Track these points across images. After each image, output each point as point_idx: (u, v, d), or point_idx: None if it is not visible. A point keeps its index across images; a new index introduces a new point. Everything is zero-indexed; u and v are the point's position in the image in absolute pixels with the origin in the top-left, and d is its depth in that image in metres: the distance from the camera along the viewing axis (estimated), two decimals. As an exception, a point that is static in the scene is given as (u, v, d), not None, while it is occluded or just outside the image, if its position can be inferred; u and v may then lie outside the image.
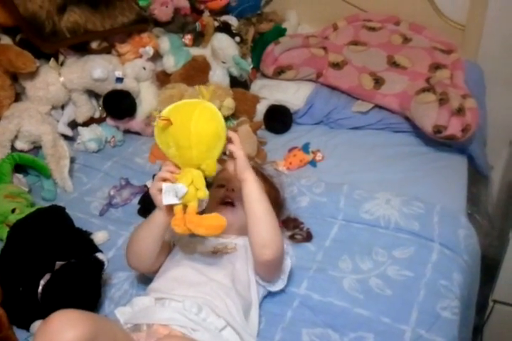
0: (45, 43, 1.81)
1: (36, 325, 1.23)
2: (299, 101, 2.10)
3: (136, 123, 2.01)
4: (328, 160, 1.87)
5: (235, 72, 2.14)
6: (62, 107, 1.95)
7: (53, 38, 1.82)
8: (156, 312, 1.13)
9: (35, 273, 1.25)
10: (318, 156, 1.86)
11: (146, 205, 1.58)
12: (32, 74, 1.82)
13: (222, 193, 1.37)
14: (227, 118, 1.98)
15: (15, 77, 1.84)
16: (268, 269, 1.25)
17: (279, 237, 1.20)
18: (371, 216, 1.56)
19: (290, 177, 1.73)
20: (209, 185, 1.19)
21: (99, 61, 1.90)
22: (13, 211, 1.52)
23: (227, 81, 2.13)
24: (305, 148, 1.85)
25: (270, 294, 1.32)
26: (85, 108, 1.94)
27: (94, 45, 1.93)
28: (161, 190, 1.14)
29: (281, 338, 1.24)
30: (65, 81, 1.87)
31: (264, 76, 2.22)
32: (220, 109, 1.88)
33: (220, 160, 1.18)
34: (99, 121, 2.01)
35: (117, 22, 1.92)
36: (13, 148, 1.78)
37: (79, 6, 1.84)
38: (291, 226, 1.50)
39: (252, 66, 2.22)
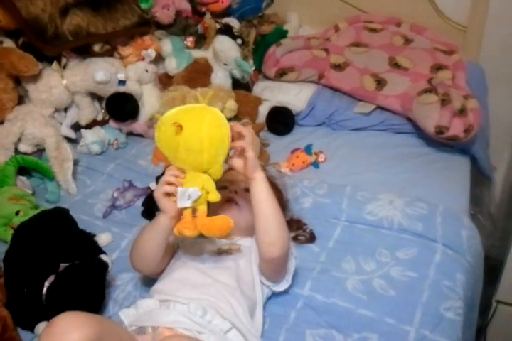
0: (48, 46, 1.82)
1: (41, 326, 1.23)
2: (301, 103, 2.10)
3: (138, 125, 2.02)
4: (330, 161, 1.87)
5: (237, 74, 2.15)
6: (65, 110, 1.96)
7: (56, 41, 1.82)
8: (161, 314, 1.13)
9: (39, 275, 1.25)
10: (321, 157, 1.86)
11: (150, 207, 1.58)
12: (35, 77, 1.83)
13: (225, 195, 1.37)
14: (229, 120, 1.97)
15: (18, 80, 1.84)
16: (274, 267, 1.25)
17: (286, 234, 1.22)
18: (374, 217, 1.56)
19: (293, 178, 1.73)
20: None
21: (101, 64, 1.91)
22: (17, 213, 1.53)
23: (229, 83, 2.14)
24: (307, 150, 1.85)
25: (274, 295, 1.33)
26: (88, 110, 1.95)
27: (96, 47, 1.93)
28: (165, 194, 1.15)
29: (285, 339, 1.24)
30: (67, 84, 1.87)
31: (266, 78, 2.23)
32: (222, 111, 1.89)
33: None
34: (102, 123, 2.01)
35: (119, 25, 1.93)
36: (16, 151, 1.79)
37: (81, 9, 1.85)
38: (295, 228, 1.50)
39: (253, 68, 2.23)
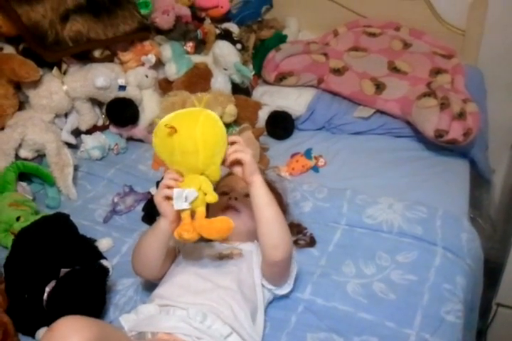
0: (48, 52, 1.83)
1: (41, 332, 1.23)
2: (300, 107, 2.11)
3: (139, 130, 2.03)
4: (330, 165, 1.87)
5: (237, 79, 2.15)
6: (66, 115, 1.96)
7: (56, 47, 1.83)
8: (161, 320, 1.13)
9: (40, 280, 1.25)
10: (321, 162, 1.87)
11: (150, 212, 1.58)
12: (35, 83, 1.84)
13: (225, 201, 1.38)
14: (229, 125, 1.99)
15: (18, 86, 1.85)
16: (278, 270, 1.25)
17: (289, 237, 1.22)
18: (374, 221, 1.56)
19: (293, 182, 1.74)
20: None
21: (101, 69, 1.92)
22: (17, 219, 1.53)
23: (229, 88, 2.14)
24: (307, 154, 1.85)
25: (275, 299, 1.33)
26: (88, 116, 1.95)
27: (96, 53, 1.94)
28: (165, 198, 1.15)
29: (286, 343, 1.24)
30: (68, 89, 1.88)
31: (266, 82, 2.23)
32: (222, 116, 1.91)
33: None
34: (103, 128, 2.02)
35: (119, 30, 1.94)
36: (17, 157, 1.79)
37: (81, 15, 1.86)
38: (295, 232, 1.50)
39: (253, 73, 2.23)
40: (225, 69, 2.12)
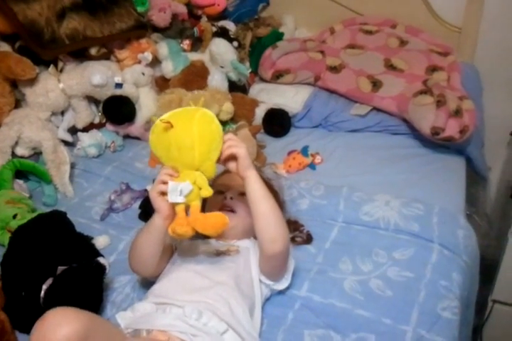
0: (45, 50, 1.82)
1: (39, 329, 1.23)
2: (297, 105, 2.11)
3: (135, 128, 2.02)
4: (327, 162, 1.88)
5: (234, 77, 2.15)
6: (62, 113, 1.96)
7: (52, 45, 1.83)
8: (157, 318, 1.13)
9: (37, 278, 1.25)
10: (317, 159, 1.87)
11: (147, 209, 1.58)
12: (31, 81, 1.83)
13: (220, 201, 1.38)
14: (226, 123, 1.99)
15: (14, 84, 1.85)
16: (276, 264, 1.26)
17: (286, 230, 1.22)
18: (371, 218, 1.56)
19: (289, 180, 1.74)
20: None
21: (98, 67, 1.91)
22: (14, 217, 1.53)
23: (225, 85, 2.14)
24: (304, 151, 1.86)
25: (271, 296, 1.33)
26: (85, 114, 1.95)
27: (93, 51, 1.94)
28: (160, 193, 1.15)
29: (283, 340, 1.24)
30: (64, 87, 1.87)
31: (263, 80, 2.23)
32: (219, 114, 1.91)
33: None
34: (99, 126, 2.02)
35: (116, 28, 1.93)
36: (13, 154, 1.79)
37: (78, 12, 1.85)
38: (292, 229, 1.50)
39: (250, 70, 2.24)
40: (222, 67, 2.12)
